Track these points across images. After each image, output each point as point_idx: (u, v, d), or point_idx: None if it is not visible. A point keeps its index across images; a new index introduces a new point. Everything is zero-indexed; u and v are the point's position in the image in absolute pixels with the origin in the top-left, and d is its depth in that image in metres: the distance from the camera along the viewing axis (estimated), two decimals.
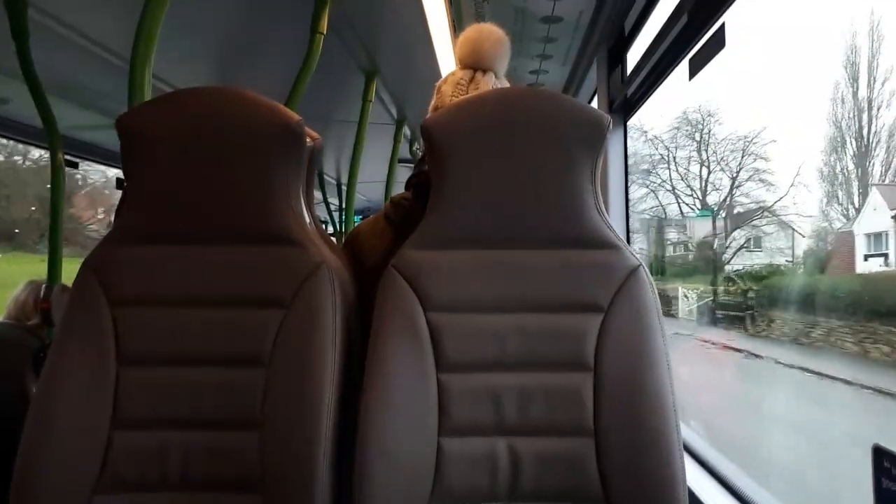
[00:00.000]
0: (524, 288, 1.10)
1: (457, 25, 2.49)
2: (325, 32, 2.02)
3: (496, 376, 1.08)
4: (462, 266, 1.11)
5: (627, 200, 2.51)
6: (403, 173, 3.31)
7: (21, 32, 2.01)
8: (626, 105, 2.46)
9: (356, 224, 1.85)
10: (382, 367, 1.06)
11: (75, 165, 3.46)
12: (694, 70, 1.65)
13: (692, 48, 1.71)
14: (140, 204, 1.14)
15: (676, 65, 1.91)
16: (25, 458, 1.04)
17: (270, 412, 1.07)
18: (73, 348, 1.09)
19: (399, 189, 1.53)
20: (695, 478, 1.72)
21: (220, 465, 1.07)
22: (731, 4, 1.50)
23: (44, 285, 2.44)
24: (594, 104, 2.93)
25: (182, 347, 1.10)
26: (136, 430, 1.08)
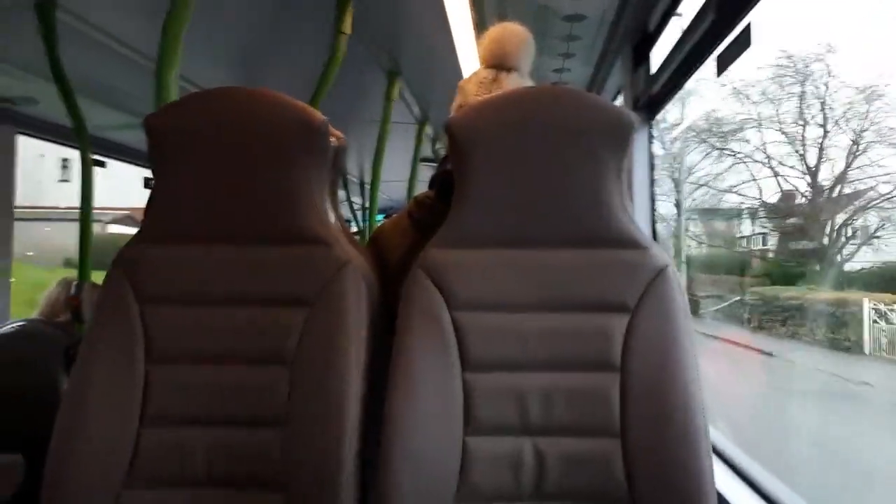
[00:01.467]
0: (550, 287, 1.10)
1: (479, 24, 2.48)
2: (348, 32, 2.03)
3: (521, 376, 1.08)
4: (487, 265, 1.11)
5: (653, 199, 2.48)
6: (426, 172, 3.31)
7: (50, 34, 2.05)
8: (650, 103, 2.43)
9: (379, 223, 1.86)
10: (407, 366, 1.06)
11: (103, 164, 3.51)
12: (721, 67, 1.63)
13: (719, 45, 1.69)
14: (167, 203, 1.16)
15: (702, 62, 1.88)
16: (57, 453, 1.06)
17: (295, 410, 1.08)
18: (103, 345, 1.11)
19: (422, 188, 1.53)
20: (724, 481, 1.69)
21: (245, 463, 1.08)
22: (758, 1, 1.48)
23: (74, 282, 2.49)
24: (619, 102, 2.90)
25: (208, 346, 1.11)
26: (164, 426, 1.09)
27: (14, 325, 2.44)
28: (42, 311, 2.56)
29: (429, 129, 3.99)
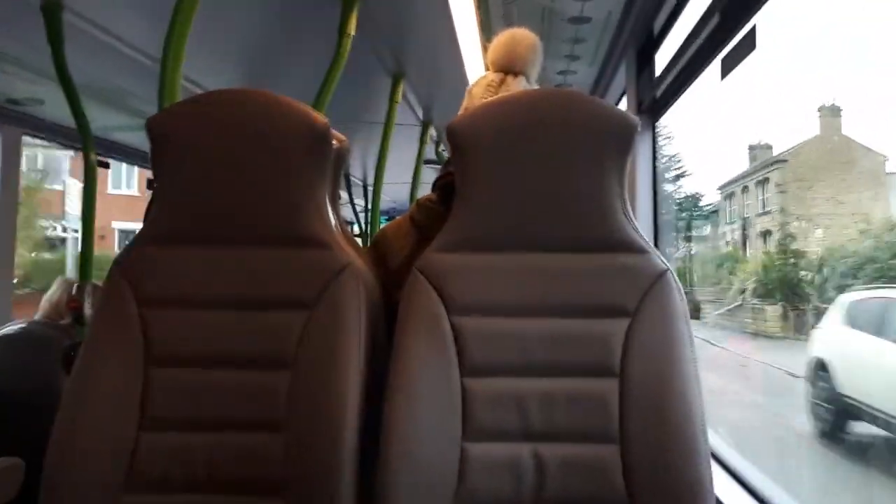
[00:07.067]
0: (550, 292, 1.09)
1: (484, 26, 2.48)
2: (352, 34, 2.03)
3: (521, 381, 1.07)
4: (487, 269, 1.10)
5: (656, 203, 2.48)
6: (429, 175, 3.30)
7: (56, 36, 2.05)
8: (654, 106, 2.42)
9: (382, 225, 1.86)
10: (406, 371, 1.06)
11: (107, 165, 3.52)
12: (726, 71, 1.62)
13: (723, 49, 1.68)
14: (169, 205, 1.16)
15: (707, 65, 1.88)
16: (56, 456, 1.06)
17: (294, 414, 1.07)
18: (103, 348, 1.11)
19: (425, 190, 1.53)
20: (723, 486, 1.68)
21: (245, 467, 1.07)
22: (763, 4, 1.47)
23: (75, 284, 2.48)
24: (622, 105, 2.89)
25: (208, 349, 1.11)
26: (163, 430, 1.09)
27: (15, 326, 2.44)
28: (44, 312, 2.56)
29: (432, 132, 3.98)
